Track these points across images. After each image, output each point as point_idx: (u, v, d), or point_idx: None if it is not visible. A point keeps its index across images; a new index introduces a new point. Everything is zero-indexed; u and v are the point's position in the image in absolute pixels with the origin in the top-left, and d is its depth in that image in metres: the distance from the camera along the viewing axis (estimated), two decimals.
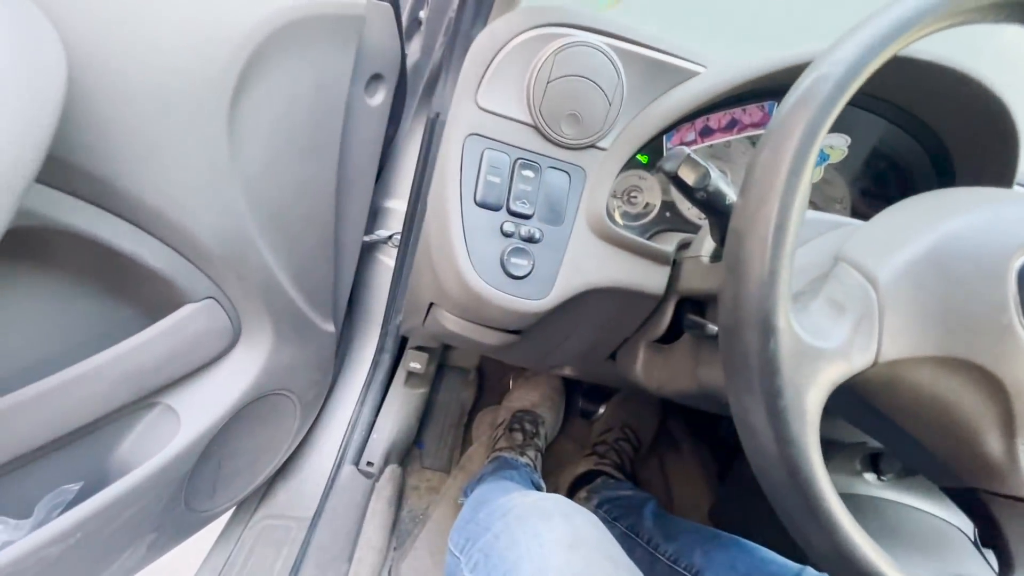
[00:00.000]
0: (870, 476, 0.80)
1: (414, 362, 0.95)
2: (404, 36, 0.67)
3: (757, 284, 0.29)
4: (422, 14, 0.77)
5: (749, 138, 0.63)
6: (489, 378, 1.27)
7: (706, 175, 0.40)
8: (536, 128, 0.50)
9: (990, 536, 0.36)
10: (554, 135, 0.51)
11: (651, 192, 0.61)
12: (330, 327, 0.76)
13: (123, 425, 0.55)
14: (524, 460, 0.94)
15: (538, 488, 0.88)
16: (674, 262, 0.55)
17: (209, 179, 0.48)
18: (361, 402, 0.92)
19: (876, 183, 0.64)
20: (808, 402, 0.29)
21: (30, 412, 0.43)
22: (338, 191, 0.67)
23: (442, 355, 1.16)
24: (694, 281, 0.53)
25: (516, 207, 0.50)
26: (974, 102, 0.50)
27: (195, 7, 0.43)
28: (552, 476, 1.15)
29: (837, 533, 0.29)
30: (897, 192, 0.63)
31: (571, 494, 1.05)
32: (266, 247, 0.58)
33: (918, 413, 0.35)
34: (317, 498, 0.83)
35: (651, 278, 0.55)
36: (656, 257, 0.54)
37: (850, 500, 0.80)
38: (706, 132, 0.57)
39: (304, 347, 0.71)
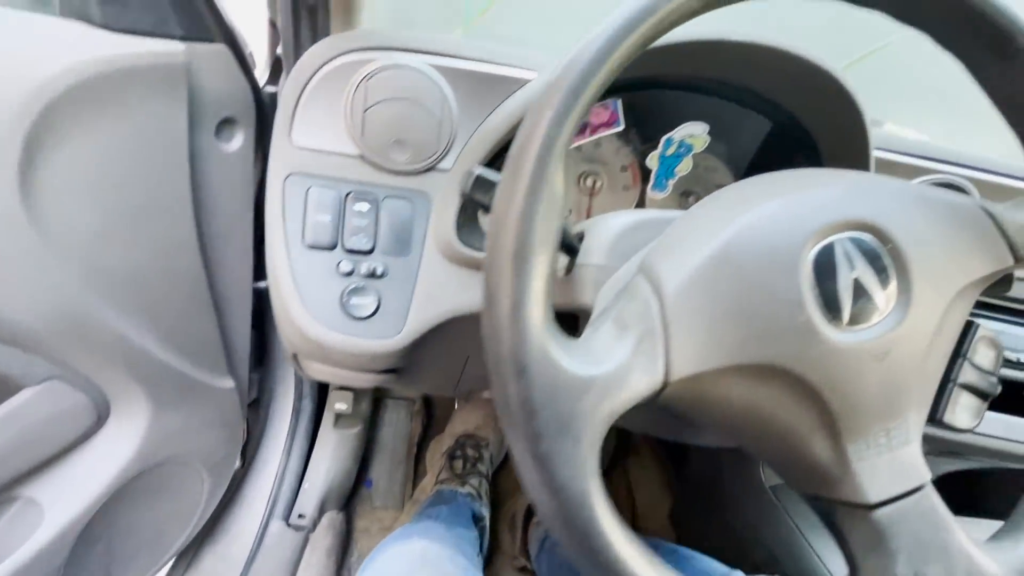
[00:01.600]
0: None
1: (339, 403, 0.92)
2: (255, 74, 0.65)
3: (504, 319, 0.26)
4: (279, 50, 0.75)
5: (616, 135, 0.61)
6: (439, 404, 1.24)
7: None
8: (364, 159, 0.48)
9: (838, 543, 0.33)
10: (385, 163, 0.48)
11: None
12: (227, 383, 0.73)
13: None
14: (465, 490, 0.90)
15: (478, 518, 0.85)
16: None
17: (14, 257, 0.45)
18: (287, 453, 0.88)
19: (759, 164, 0.63)
20: (579, 441, 0.26)
21: None
22: (207, 243, 0.63)
23: (378, 389, 1.13)
24: (556, 296, 0.50)
25: (352, 244, 0.48)
26: (819, 85, 0.48)
27: None
28: (508, 501, 1.11)
29: None
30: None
31: (527, 521, 1.01)
32: (117, 315, 0.54)
33: (739, 425, 0.32)
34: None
35: None
36: None
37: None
38: None
39: (196, 409, 0.68)
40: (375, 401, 1.12)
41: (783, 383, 0.30)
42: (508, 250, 0.26)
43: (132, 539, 0.65)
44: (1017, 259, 0.32)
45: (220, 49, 0.59)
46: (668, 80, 0.55)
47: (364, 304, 0.47)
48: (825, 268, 0.29)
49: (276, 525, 0.83)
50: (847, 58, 0.86)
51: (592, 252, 0.41)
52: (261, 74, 0.72)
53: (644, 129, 0.59)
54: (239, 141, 0.65)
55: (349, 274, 0.47)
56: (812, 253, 0.30)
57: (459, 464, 0.96)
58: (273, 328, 0.89)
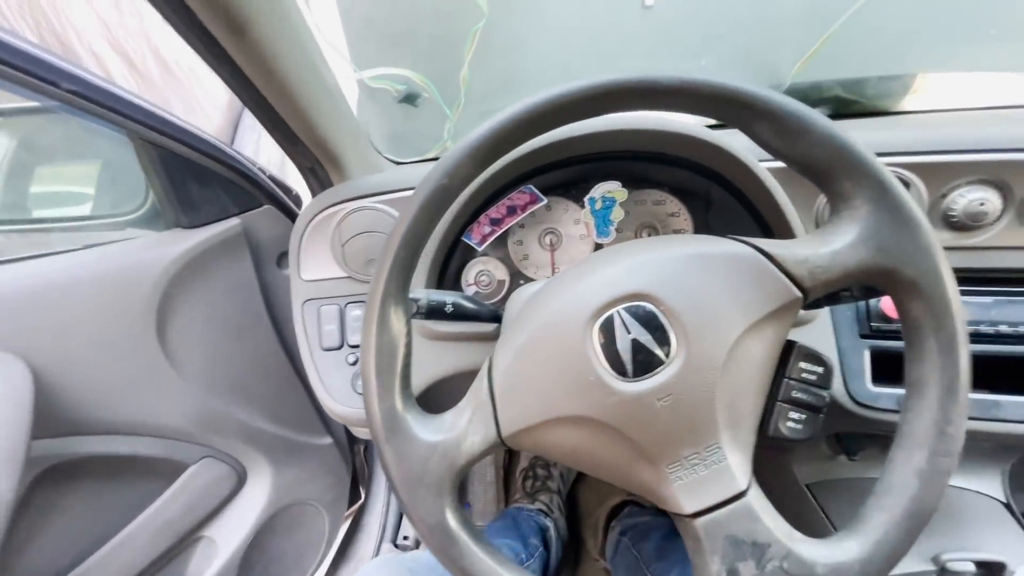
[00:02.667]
0: (842, 458, 0.76)
1: None
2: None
3: (375, 411, 0.40)
4: None
5: (560, 196, 0.71)
6: None
7: (420, 306, 0.51)
8: (351, 278, 0.66)
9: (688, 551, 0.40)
10: (366, 278, 0.65)
11: (498, 270, 0.71)
12: (326, 440, 0.96)
13: (179, 561, 0.79)
14: (535, 506, 1.03)
15: (543, 528, 0.97)
16: None
17: (163, 386, 0.71)
18: (389, 488, 1.10)
19: (701, 195, 0.68)
20: (431, 488, 0.39)
21: (96, 571, 0.68)
22: (288, 343, 0.87)
23: None
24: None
25: (354, 340, 0.65)
26: (723, 156, 0.55)
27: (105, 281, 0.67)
28: (594, 510, 1.21)
29: None
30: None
31: (607, 525, 1.10)
32: (236, 408, 0.79)
33: (576, 459, 0.41)
34: None
35: (483, 355, 0.65)
36: (482, 337, 0.64)
37: (827, 486, 0.77)
38: (495, 222, 0.67)
39: (305, 464, 0.91)
40: None
41: (594, 427, 0.39)
42: (369, 372, 0.40)
43: (279, 563, 0.90)
44: (803, 291, 0.37)
45: (267, 209, 0.82)
46: (586, 156, 0.64)
47: None
48: (607, 335, 0.38)
49: (385, 547, 1.04)
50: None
51: (506, 322, 0.53)
52: None
53: (579, 191, 0.69)
54: None
55: (354, 364, 0.65)
56: (597, 325, 0.38)
57: (529, 483, 1.09)
58: None
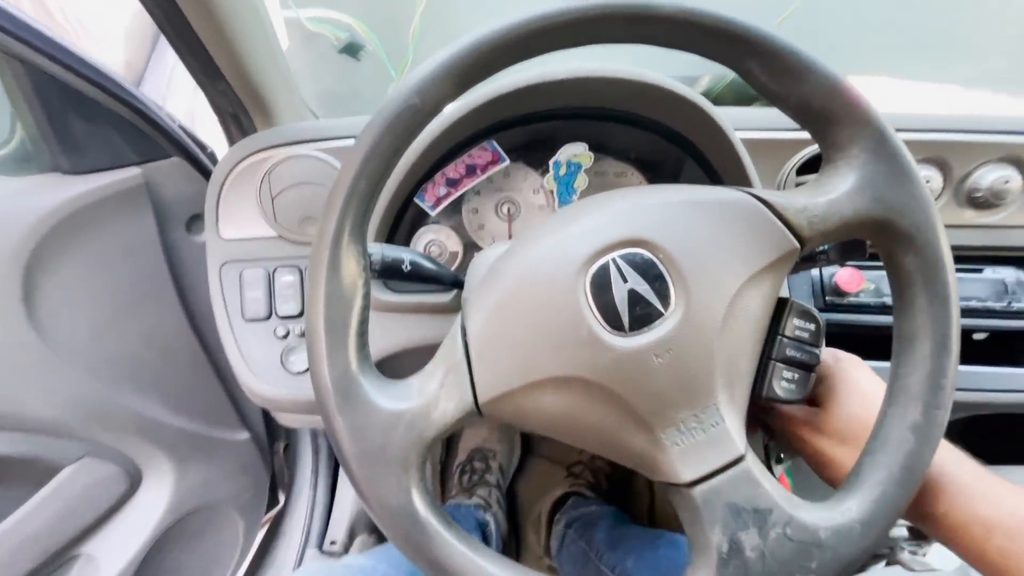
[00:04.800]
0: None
1: None
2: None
3: (323, 375, 0.33)
4: None
5: (521, 163, 0.66)
6: None
7: (374, 262, 0.43)
8: (282, 237, 0.56)
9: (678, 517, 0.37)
10: (301, 237, 0.56)
11: (450, 240, 0.65)
12: (242, 435, 0.84)
13: None
14: (473, 501, 0.97)
15: (482, 524, 0.91)
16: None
17: (31, 367, 0.57)
18: (313, 487, 0.99)
19: (659, 165, 0.66)
20: (393, 464, 0.32)
21: None
22: (199, 321, 0.75)
23: None
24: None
25: (284, 311, 0.56)
26: (684, 108, 0.52)
27: None
28: (536, 504, 1.17)
29: None
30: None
31: (551, 519, 1.07)
32: (129, 395, 0.66)
33: (560, 428, 0.37)
34: None
35: (440, 328, 0.58)
36: (438, 309, 0.58)
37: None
38: (452, 183, 0.61)
39: (217, 461, 0.79)
40: None
41: (582, 389, 0.34)
42: (317, 325, 0.33)
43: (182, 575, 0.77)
44: (801, 241, 0.35)
45: (176, 162, 0.70)
46: (551, 112, 0.60)
47: (300, 360, 0.55)
48: (601, 285, 0.34)
49: (310, 553, 0.93)
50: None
51: (469, 287, 0.47)
52: None
53: (542, 155, 0.64)
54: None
55: (285, 336, 0.56)
56: (588, 274, 0.34)
57: (466, 478, 1.03)
58: None
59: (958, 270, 0.39)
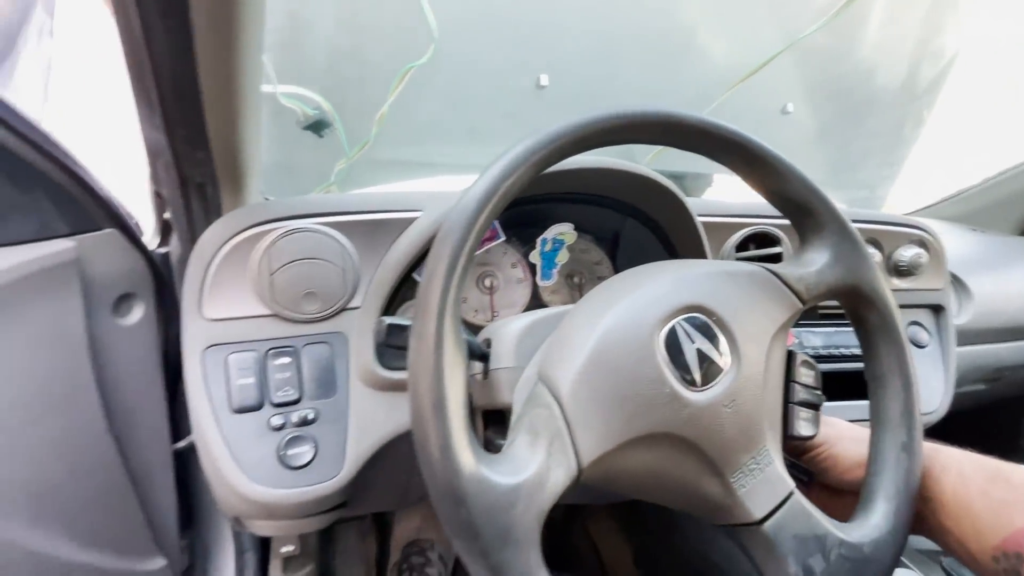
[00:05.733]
0: None
1: (285, 546, 0.87)
2: (145, 243, 0.66)
3: (437, 460, 0.31)
4: (167, 215, 0.77)
5: (501, 244, 0.69)
6: (392, 515, 1.20)
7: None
8: (277, 316, 0.52)
9: (747, 557, 0.40)
10: (298, 316, 0.52)
11: None
12: (158, 562, 0.68)
13: None
14: None
15: None
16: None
17: None
18: None
19: (624, 246, 0.74)
20: (520, 545, 0.31)
21: None
22: (118, 419, 0.62)
23: None
24: (480, 398, 0.55)
25: (279, 398, 0.50)
26: (655, 192, 0.61)
27: None
28: None
29: None
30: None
31: None
32: (24, 531, 0.51)
33: (646, 486, 0.39)
34: None
35: None
36: None
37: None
38: None
39: None
40: (322, 532, 1.07)
41: (668, 443, 0.37)
42: (428, 400, 0.31)
43: None
44: (803, 301, 0.44)
45: (110, 233, 0.61)
46: (535, 196, 0.66)
47: (302, 452, 0.49)
48: (673, 347, 0.38)
49: None
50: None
51: (501, 357, 0.48)
52: (151, 239, 0.73)
53: (522, 233, 0.69)
54: (139, 313, 0.65)
55: (281, 427, 0.49)
56: (661, 337, 0.38)
57: None
58: (201, 488, 0.84)
59: None
